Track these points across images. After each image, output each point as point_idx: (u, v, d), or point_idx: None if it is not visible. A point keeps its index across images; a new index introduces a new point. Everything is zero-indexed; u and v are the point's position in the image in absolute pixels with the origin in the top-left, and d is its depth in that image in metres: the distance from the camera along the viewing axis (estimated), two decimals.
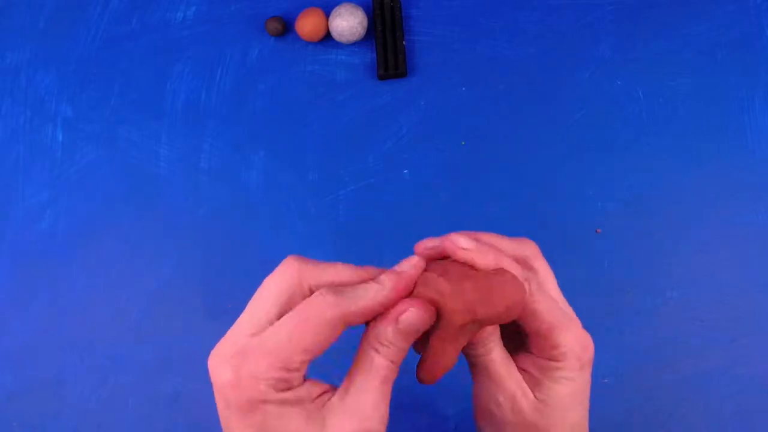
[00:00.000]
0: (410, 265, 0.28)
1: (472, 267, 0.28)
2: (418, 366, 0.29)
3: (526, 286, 0.28)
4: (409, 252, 0.52)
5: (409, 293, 0.28)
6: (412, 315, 0.26)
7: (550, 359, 0.29)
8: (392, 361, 0.27)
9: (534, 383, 0.30)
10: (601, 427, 0.47)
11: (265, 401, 0.25)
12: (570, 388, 0.29)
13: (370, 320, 0.28)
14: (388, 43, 0.55)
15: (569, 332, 0.29)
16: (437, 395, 0.48)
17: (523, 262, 0.30)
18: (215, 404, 0.43)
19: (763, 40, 0.55)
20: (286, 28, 0.57)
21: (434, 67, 0.56)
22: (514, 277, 0.26)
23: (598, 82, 0.55)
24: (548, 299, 0.29)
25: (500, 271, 0.26)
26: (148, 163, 0.55)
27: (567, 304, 0.31)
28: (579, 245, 0.51)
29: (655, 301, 0.50)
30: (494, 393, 0.30)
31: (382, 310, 0.27)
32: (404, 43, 0.56)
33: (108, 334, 0.51)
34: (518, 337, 0.31)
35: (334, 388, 0.28)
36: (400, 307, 0.27)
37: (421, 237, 0.53)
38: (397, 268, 0.28)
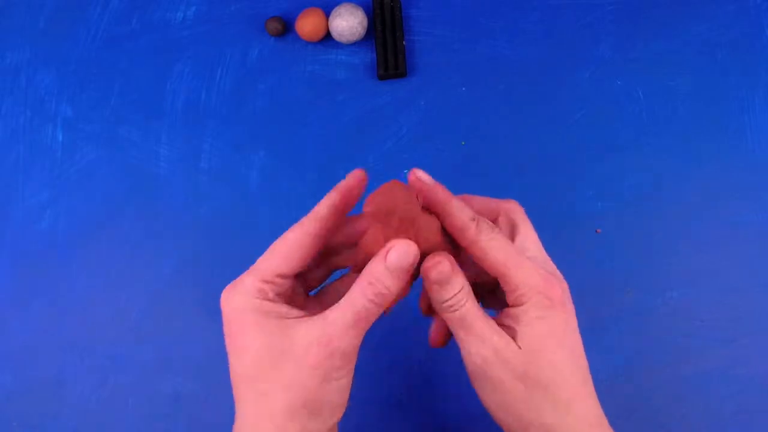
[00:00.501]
0: (350, 176, 0.32)
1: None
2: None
3: (473, 225, 0.30)
4: None
5: (354, 198, 0.32)
6: (396, 250, 0.29)
7: (516, 304, 0.30)
8: (371, 300, 0.29)
9: (514, 334, 0.30)
10: None
11: (245, 309, 0.30)
12: (543, 327, 0.30)
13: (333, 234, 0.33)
14: (388, 43, 0.55)
15: (525, 270, 0.30)
16: (438, 395, 0.48)
17: (503, 214, 0.34)
18: (215, 404, 0.43)
19: (763, 40, 0.55)
20: (286, 28, 0.57)
21: (434, 67, 0.56)
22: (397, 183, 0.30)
23: (598, 82, 0.55)
24: (503, 242, 0.31)
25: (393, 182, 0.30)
26: (148, 163, 0.55)
27: (547, 260, 0.33)
28: (579, 245, 0.51)
29: (655, 301, 0.50)
30: (479, 349, 0.30)
31: (332, 215, 0.31)
32: (404, 43, 0.56)
33: (108, 334, 0.51)
34: (499, 299, 0.33)
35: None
36: (388, 245, 0.30)
37: None
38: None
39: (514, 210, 0.34)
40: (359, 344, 0.30)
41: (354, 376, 0.31)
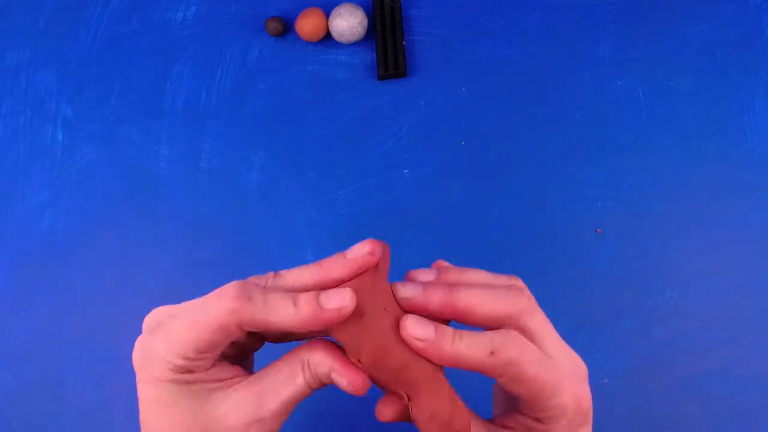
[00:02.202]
0: (339, 300, 0.25)
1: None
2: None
3: (491, 360, 0.25)
4: (408, 252, 0.52)
5: (324, 327, 0.26)
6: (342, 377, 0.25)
7: (538, 420, 0.27)
8: (310, 386, 0.26)
9: None
10: (601, 427, 0.47)
11: (161, 379, 0.26)
12: None
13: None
14: (388, 43, 0.55)
15: (563, 393, 0.26)
16: None
17: (509, 321, 0.26)
18: None
19: (763, 40, 0.55)
20: (286, 28, 0.57)
21: (434, 67, 0.56)
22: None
23: (598, 82, 0.55)
24: (537, 360, 0.26)
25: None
26: (148, 163, 0.55)
27: (568, 351, 0.28)
28: (579, 245, 0.51)
29: (655, 301, 0.50)
30: None
31: (292, 330, 0.25)
32: (404, 43, 0.56)
33: (108, 334, 0.51)
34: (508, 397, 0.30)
35: (247, 375, 0.27)
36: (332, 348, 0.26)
37: (420, 237, 0.53)
38: (323, 296, 0.25)
39: (522, 308, 0.26)
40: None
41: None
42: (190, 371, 0.26)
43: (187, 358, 0.25)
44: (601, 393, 0.48)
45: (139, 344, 0.27)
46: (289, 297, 0.25)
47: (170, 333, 0.26)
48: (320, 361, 0.26)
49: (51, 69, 0.57)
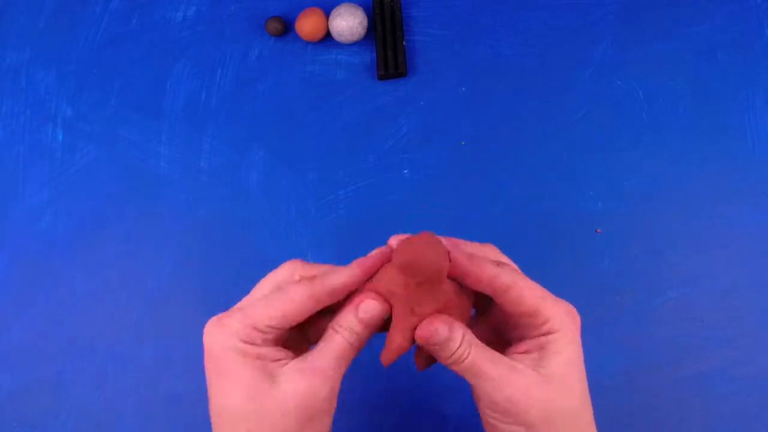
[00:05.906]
0: (375, 253, 0.32)
1: None
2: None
3: (502, 272, 0.31)
4: None
5: (370, 276, 0.32)
6: (368, 304, 0.31)
7: (544, 334, 0.31)
8: (349, 342, 0.31)
9: (535, 363, 0.31)
10: (601, 427, 0.47)
11: (230, 348, 0.30)
12: (572, 353, 0.31)
13: (338, 303, 0.32)
14: (388, 43, 0.55)
15: (557, 305, 0.31)
16: (437, 395, 0.48)
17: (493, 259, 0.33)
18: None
19: (763, 40, 0.55)
20: (286, 28, 0.57)
21: (434, 67, 0.56)
22: (429, 234, 0.30)
23: (598, 82, 0.55)
24: (527, 281, 0.31)
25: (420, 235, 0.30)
26: (148, 163, 0.55)
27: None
28: (579, 245, 0.51)
29: (655, 301, 0.50)
30: (503, 391, 0.30)
31: (345, 290, 0.32)
32: (404, 43, 0.56)
33: (108, 334, 0.51)
34: (505, 334, 0.34)
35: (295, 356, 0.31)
36: (360, 297, 0.31)
37: None
38: (367, 256, 0.32)
39: (497, 254, 0.34)
40: (339, 385, 0.31)
41: (346, 381, 0.32)
42: (253, 342, 0.30)
43: (256, 328, 0.30)
44: (600, 393, 0.48)
45: (214, 321, 0.31)
46: (341, 267, 0.32)
47: (246, 310, 0.30)
48: (346, 315, 0.31)
49: (51, 69, 0.58)
